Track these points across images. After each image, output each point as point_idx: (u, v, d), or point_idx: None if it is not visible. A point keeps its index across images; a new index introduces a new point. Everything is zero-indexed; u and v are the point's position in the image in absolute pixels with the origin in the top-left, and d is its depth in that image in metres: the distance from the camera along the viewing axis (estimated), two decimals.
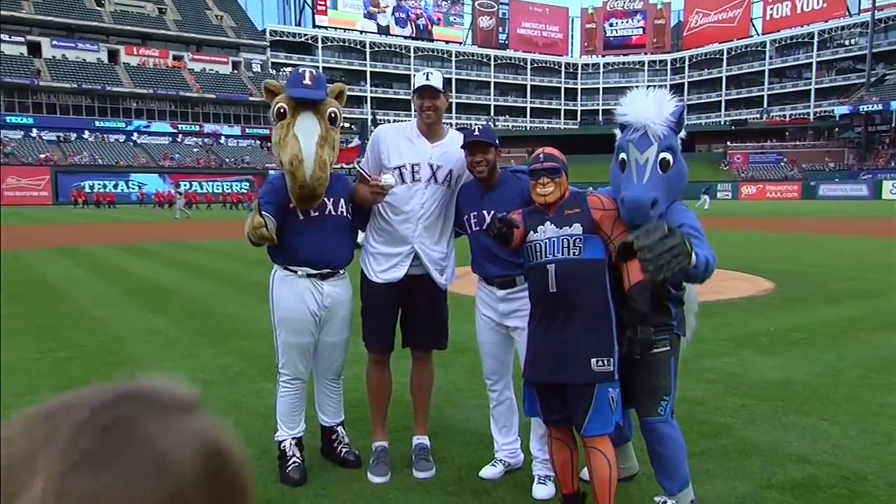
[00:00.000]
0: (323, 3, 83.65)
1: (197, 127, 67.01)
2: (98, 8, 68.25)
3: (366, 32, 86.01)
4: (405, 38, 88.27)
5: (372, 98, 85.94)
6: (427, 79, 3.36)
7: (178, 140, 65.83)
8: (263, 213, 3.26)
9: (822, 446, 3.79)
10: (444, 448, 3.83)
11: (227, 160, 64.24)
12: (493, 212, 3.09)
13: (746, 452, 3.70)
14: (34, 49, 63.18)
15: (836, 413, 4.42)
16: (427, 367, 3.68)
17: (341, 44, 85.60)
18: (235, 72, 72.59)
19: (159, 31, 70.20)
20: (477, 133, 3.21)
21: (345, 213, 3.47)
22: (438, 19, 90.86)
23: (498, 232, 2.88)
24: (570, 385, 2.75)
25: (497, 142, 3.27)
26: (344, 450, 3.67)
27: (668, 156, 2.78)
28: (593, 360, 2.70)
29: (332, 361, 3.62)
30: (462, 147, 3.28)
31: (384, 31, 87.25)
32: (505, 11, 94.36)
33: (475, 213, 3.34)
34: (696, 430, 3.92)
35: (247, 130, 69.94)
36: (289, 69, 77.61)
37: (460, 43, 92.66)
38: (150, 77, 66.08)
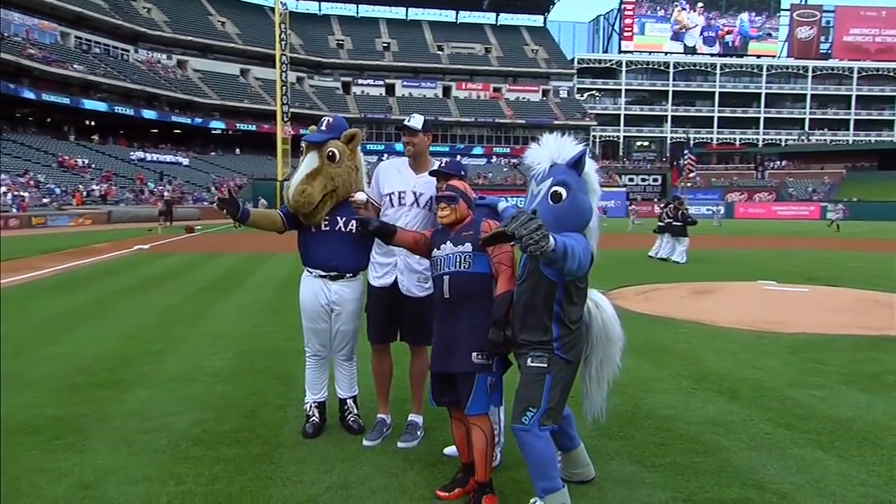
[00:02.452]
0: (630, 29, 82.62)
1: (508, 149, 70.86)
2: (438, 52, 75.92)
3: (671, 53, 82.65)
4: (712, 55, 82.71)
5: (673, 116, 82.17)
6: (407, 121, 3.79)
7: (492, 161, 70.31)
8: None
9: (802, 478, 3.42)
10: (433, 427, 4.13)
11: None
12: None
13: (700, 471, 3.51)
14: (390, 90, 72.79)
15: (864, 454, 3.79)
16: (420, 358, 3.97)
17: (645, 66, 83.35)
18: (544, 98, 75.67)
19: (484, 68, 75.88)
20: (442, 165, 3.58)
21: (353, 231, 3.88)
22: (754, 34, 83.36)
23: (363, 229, 3.51)
24: (457, 374, 3.13)
25: (463, 172, 3.53)
26: (351, 418, 4.14)
27: (561, 189, 2.92)
28: (474, 354, 3.09)
29: (344, 345, 4.09)
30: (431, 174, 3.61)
31: (690, 50, 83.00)
32: (829, 19, 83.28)
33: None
34: (678, 444, 3.88)
35: None
36: (590, 94, 78.93)
37: (774, 56, 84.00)
38: (473, 107, 71.98)
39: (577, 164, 2.98)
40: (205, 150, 61.25)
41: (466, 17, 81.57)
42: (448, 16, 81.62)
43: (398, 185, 3.87)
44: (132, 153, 53.73)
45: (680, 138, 73.73)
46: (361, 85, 73.31)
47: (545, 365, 2.88)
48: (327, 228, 3.91)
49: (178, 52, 64.44)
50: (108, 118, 53.63)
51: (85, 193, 39.80)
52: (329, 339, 4.05)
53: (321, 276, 3.94)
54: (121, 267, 14.11)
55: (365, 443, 3.90)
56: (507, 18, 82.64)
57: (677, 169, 21.25)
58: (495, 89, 75.71)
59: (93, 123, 54.00)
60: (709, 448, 3.83)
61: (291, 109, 54.36)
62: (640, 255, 16.51)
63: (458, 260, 3.18)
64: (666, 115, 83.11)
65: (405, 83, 74.06)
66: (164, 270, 13.26)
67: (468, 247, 3.19)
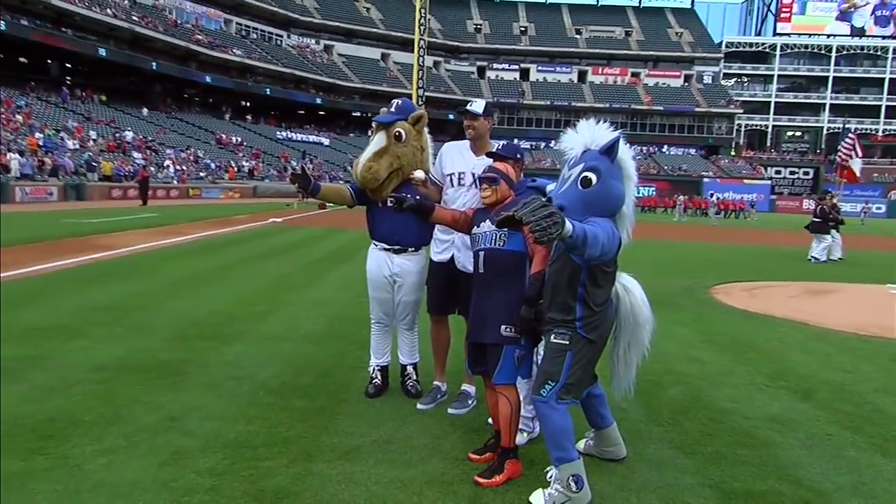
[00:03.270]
0: (788, 9, 76.37)
1: (644, 136, 68.22)
2: (576, 36, 74.34)
3: (834, 36, 75.46)
4: (884, 38, 74.56)
5: (832, 105, 75.15)
6: (470, 105, 3.91)
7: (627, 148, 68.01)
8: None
9: (847, 479, 3.27)
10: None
11: (666, 167, 63.93)
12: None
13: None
14: (524, 74, 72.31)
15: None
16: None
17: (803, 49, 76.76)
18: (686, 84, 72.09)
19: (623, 52, 73.44)
20: (499, 148, 3.61)
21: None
22: None
23: (398, 207, 3.49)
24: (487, 344, 3.28)
25: (519, 156, 3.56)
26: (409, 383, 4.41)
27: (591, 175, 2.96)
28: (503, 327, 3.21)
29: (406, 315, 4.31)
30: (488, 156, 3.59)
31: (858, 32, 75.25)
32: None
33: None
34: (726, 436, 3.82)
35: (689, 139, 68.34)
36: (737, 79, 73.80)
37: None
38: (609, 93, 70.04)
39: (610, 150, 3.00)
40: (344, 131, 64.22)
41: None
42: None
43: (459, 166, 4.02)
44: (279, 132, 57.50)
45: (837, 128, 67.59)
46: (496, 69, 73.42)
47: (567, 342, 2.96)
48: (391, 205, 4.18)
49: (326, 37, 67.75)
50: (261, 99, 57.68)
51: (237, 169, 43.22)
52: (392, 308, 4.28)
53: (385, 249, 4.15)
54: (253, 237, 15.37)
55: (419, 406, 4.15)
56: (651, 0, 79.25)
57: (844, 161, 19.57)
58: (633, 74, 73.00)
59: (248, 104, 58.29)
60: (757, 442, 3.73)
61: (426, 93, 55.57)
62: (763, 250, 15.55)
63: (493, 238, 3.30)
64: (824, 104, 76.21)
65: (540, 67, 73.24)
66: (288, 242, 14.30)
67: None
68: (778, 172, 68.71)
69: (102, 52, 42.91)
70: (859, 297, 9.51)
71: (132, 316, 6.33)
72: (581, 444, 3.43)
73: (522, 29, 75.89)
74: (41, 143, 30.69)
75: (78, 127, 35.98)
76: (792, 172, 69.70)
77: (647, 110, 69.16)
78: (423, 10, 52.66)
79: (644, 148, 68.02)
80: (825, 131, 74.51)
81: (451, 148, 4.17)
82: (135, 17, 46.93)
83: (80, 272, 9.02)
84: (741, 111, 71.39)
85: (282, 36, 64.34)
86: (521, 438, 3.69)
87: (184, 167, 38.44)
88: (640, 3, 79.18)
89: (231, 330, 5.94)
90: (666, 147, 68.75)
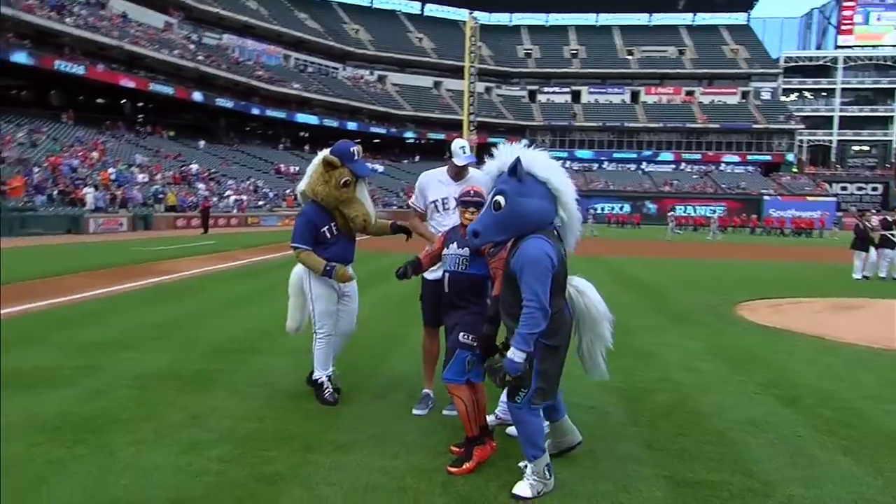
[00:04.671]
0: (850, 21, 74.21)
1: (699, 155, 67.19)
2: (628, 56, 74.12)
3: None
4: None
5: None
6: (463, 161, 4.28)
7: (680, 167, 67.01)
8: (332, 266, 4.56)
9: (799, 473, 3.49)
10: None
11: (723, 185, 62.59)
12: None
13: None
14: (575, 96, 72.55)
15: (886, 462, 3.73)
16: None
17: (867, 61, 74.29)
18: (743, 101, 70.73)
19: (676, 71, 72.67)
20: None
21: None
22: None
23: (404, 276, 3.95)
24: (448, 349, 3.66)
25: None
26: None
27: (499, 198, 3.16)
28: (461, 334, 3.55)
29: (346, 323, 4.93)
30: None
31: None
32: None
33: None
34: (696, 435, 4.02)
35: (747, 157, 67.14)
36: (798, 94, 71.73)
37: None
38: (663, 112, 69.29)
39: (513, 171, 3.15)
40: (398, 158, 65.63)
41: (660, 19, 78.70)
42: (640, 19, 79.32)
43: (442, 192, 4.40)
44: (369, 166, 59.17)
45: None
46: (547, 93, 73.86)
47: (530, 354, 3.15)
48: (340, 233, 4.71)
49: (380, 67, 69.77)
50: (317, 130, 59.72)
51: (294, 197, 44.82)
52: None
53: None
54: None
55: (415, 412, 4.50)
56: (704, 18, 78.29)
57: None
58: (688, 93, 72.13)
59: (305, 135, 60.42)
60: (725, 441, 3.97)
61: (478, 118, 56.49)
62: (817, 267, 15.29)
63: (457, 261, 3.62)
64: (892, 116, 73.38)
65: (591, 90, 73.26)
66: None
67: (466, 251, 3.60)
68: (844, 188, 66.29)
69: (170, 90, 45.52)
70: (886, 313, 9.36)
71: (178, 332, 6.96)
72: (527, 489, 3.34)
73: (573, 52, 76.23)
74: (113, 178, 32.74)
75: (157, 165, 38.25)
76: (859, 188, 67.11)
77: (702, 128, 68.11)
78: (473, 39, 53.80)
79: (700, 167, 66.92)
80: (895, 144, 71.66)
81: (430, 177, 4.56)
82: (200, 57, 49.61)
83: (139, 294, 9.83)
84: (802, 127, 69.43)
85: (337, 68, 66.62)
86: (488, 419, 4.01)
87: (244, 197, 40.16)
88: (693, 20, 78.43)
89: (262, 344, 6.48)
90: (723, 165, 67.42)
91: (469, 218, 3.56)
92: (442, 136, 65.48)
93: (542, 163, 3.24)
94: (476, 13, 67.74)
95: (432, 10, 79.10)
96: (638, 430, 4.14)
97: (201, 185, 38.45)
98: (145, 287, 10.65)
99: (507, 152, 3.29)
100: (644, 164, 68.42)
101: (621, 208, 59.35)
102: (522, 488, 3.22)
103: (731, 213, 55.26)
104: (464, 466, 3.47)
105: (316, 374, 4.77)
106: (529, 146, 3.37)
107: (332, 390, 4.71)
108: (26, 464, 3.44)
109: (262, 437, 3.94)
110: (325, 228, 4.62)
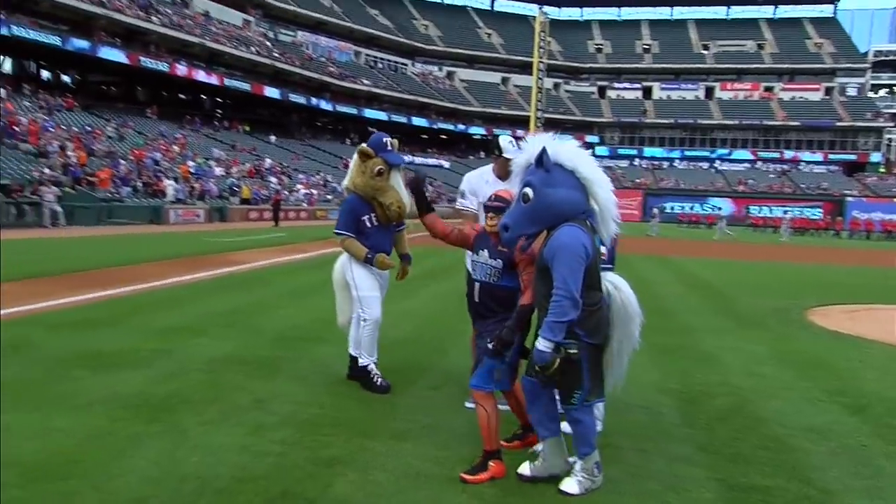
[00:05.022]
0: None
1: (777, 154, 64.51)
2: (703, 51, 71.85)
3: None
4: None
5: None
6: (507, 153, 4.25)
7: (756, 166, 64.53)
8: (373, 253, 4.80)
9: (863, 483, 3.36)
10: None
11: (802, 185, 59.84)
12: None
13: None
14: (647, 92, 70.87)
15: None
16: None
17: None
18: (827, 97, 67.32)
19: (755, 66, 69.96)
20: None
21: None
22: None
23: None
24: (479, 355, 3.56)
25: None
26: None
27: (527, 190, 3.13)
28: (490, 342, 3.39)
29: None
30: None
31: None
32: None
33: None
34: (753, 440, 3.93)
35: (829, 156, 63.98)
36: (888, 90, 67.70)
37: None
38: (739, 109, 66.91)
39: (539, 162, 3.10)
40: (464, 154, 65.82)
41: (738, 12, 75.83)
42: (717, 12, 76.70)
43: (490, 192, 4.46)
44: (402, 157, 59.96)
45: None
46: (617, 89, 72.48)
47: (576, 351, 3.11)
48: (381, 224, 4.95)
49: (448, 63, 70.13)
50: (385, 126, 60.54)
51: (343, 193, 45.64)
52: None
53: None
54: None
55: (467, 405, 4.51)
56: (786, 11, 75.02)
57: None
58: (766, 88, 69.36)
59: (374, 130, 61.37)
60: (784, 447, 3.88)
61: (545, 115, 55.97)
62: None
63: (489, 272, 3.50)
64: None
65: (664, 85, 71.45)
66: (395, 258, 15.20)
67: (499, 263, 3.47)
68: None
69: (247, 86, 47.13)
70: None
71: (246, 320, 7.28)
72: (525, 469, 3.42)
73: (645, 47, 74.46)
74: (192, 171, 34.19)
75: (234, 160, 39.75)
76: None
77: (781, 126, 65.35)
78: (543, 34, 53.27)
79: (778, 166, 64.25)
80: None
81: (477, 178, 4.59)
82: (275, 54, 51.12)
83: (212, 283, 10.31)
84: (892, 124, 65.63)
85: (406, 64, 67.34)
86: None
87: (313, 190, 41.19)
88: (774, 13, 75.25)
89: (325, 334, 6.69)
90: (803, 164, 64.49)
91: (492, 224, 3.48)
92: (508, 133, 65.31)
93: (569, 152, 3.17)
94: (546, 8, 67.19)
95: (502, 6, 78.90)
96: (692, 432, 4.10)
97: (273, 179, 39.68)
98: (217, 276, 11.14)
99: (534, 144, 3.23)
100: (717, 162, 66.24)
101: (691, 207, 57.56)
102: (570, 485, 3.22)
103: (826, 215, 52.93)
104: (478, 476, 3.38)
105: (363, 361, 4.93)
106: (556, 136, 3.28)
107: (380, 375, 4.86)
108: (109, 436, 3.72)
109: (322, 422, 4.11)
110: (365, 217, 4.85)
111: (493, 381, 3.43)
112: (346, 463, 3.49)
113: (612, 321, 3.35)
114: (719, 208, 55.70)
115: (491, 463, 3.43)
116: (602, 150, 69.05)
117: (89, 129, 33.36)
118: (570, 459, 3.36)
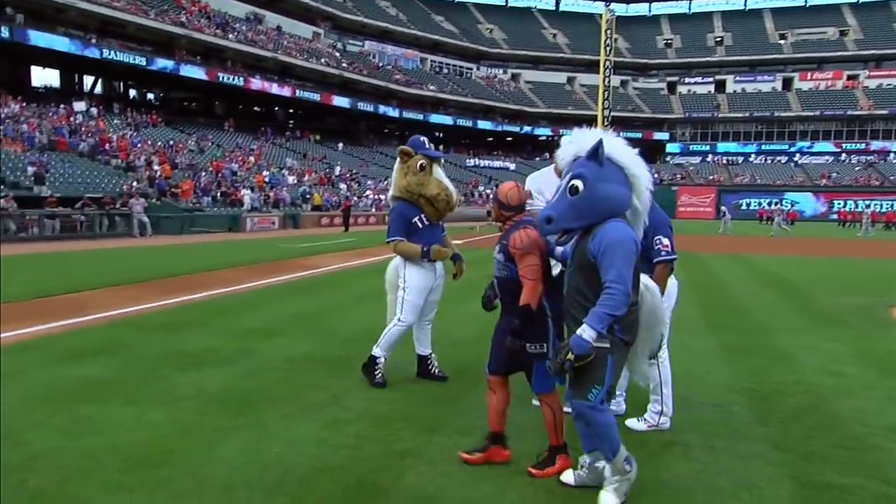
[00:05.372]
0: None
1: (863, 145, 61.12)
2: (780, 41, 69.04)
3: None
4: None
5: None
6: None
7: (840, 159, 61.31)
8: (429, 247, 4.96)
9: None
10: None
11: (892, 178, 56.45)
12: None
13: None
14: (719, 86, 68.63)
15: None
16: None
17: None
18: None
19: (837, 54, 66.53)
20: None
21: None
22: None
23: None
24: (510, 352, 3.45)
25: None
26: (436, 370, 5.25)
27: (577, 182, 3.02)
28: (528, 345, 3.37)
29: (430, 311, 5.29)
30: None
31: None
32: None
33: None
34: (831, 439, 3.81)
35: None
36: None
37: None
38: (820, 99, 63.84)
39: (594, 154, 3.01)
40: (530, 156, 65.51)
41: None
42: (795, 0, 73.40)
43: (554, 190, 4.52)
44: (468, 160, 60.26)
45: None
46: (688, 83, 70.42)
47: (608, 346, 2.95)
48: (433, 223, 5.08)
49: (514, 66, 69.99)
50: (451, 130, 61.00)
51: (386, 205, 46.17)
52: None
53: (432, 261, 5.04)
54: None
55: (534, 402, 4.47)
56: None
57: None
58: (850, 77, 65.80)
59: (440, 135, 61.94)
60: (863, 446, 3.76)
61: (613, 113, 55.01)
62: None
63: (498, 266, 3.50)
64: None
65: (738, 78, 68.87)
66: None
67: (501, 256, 3.46)
68: None
69: (317, 96, 48.51)
70: None
71: (320, 321, 7.58)
72: (570, 477, 3.35)
73: (718, 39, 72.08)
74: (267, 180, 35.47)
75: (308, 169, 41.03)
76: None
77: (866, 116, 61.90)
78: (609, 31, 52.41)
79: (864, 157, 60.86)
80: None
81: (541, 177, 4.60)
82: (344, 64, 52.39)
83: (287, 287, 10.74)
84: None
85: (472, 69, 67.63)
86: (640, 425, 4.12)
87: (381, 196, 41.96)
88: None
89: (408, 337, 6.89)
90: (892, 155, 60.82)
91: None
92: None
93: (622, 147, 3.09)
94: (613, 5, 66.03)
95: (568, 5, 78.00)
96: (765, 430, 4.03)
97: (343, 186, 40.67)
98: (292, 280, 11.59)
99: (583, 136, 3.16)
100: (797, 156, 63.33)
101: (769, 204, 55.15)
102: (608, 498, 3.06)
103: None
104: (545, 471, 3.42)
105: (376, 351, 5.11)
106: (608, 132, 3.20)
107: (383, 372, 5.06)
108: (198, 429, 3.99)
109: (394, 417, 4.27)
110: (415, 219, 4.99)
111: (550, 379, 3.43)
112: (416, 456, 3.62)
113: (641, 322, 3.23)
114: (797, 202, 53.35)
115: (558, 457, 3.48)
116: (673, 147, 67.37)
117: (172, 143, 35.15)
118: (598, 464, 3.19)
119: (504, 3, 76.88)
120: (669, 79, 71.31)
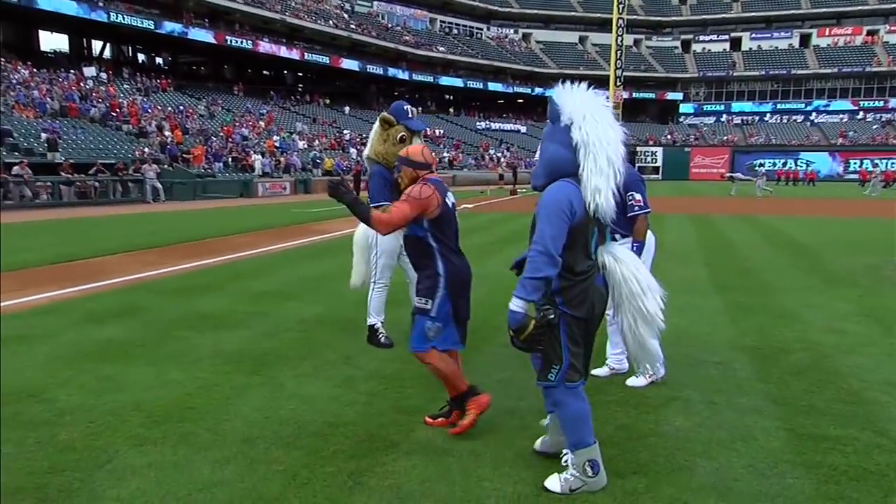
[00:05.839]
0: None
1: (881, 102, 59.98)
2: None
3: None
4: None
5: None
6: None
7: (858, 117, 60.21)
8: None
9: None
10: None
11: None
12: None
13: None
14: (735, 44, 67.23)
15: None
16: None
17: None
18: None
19: (856, 8, 64.77)
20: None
21: None
22: None
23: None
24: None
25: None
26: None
27: (542, 143, 2.98)
28: (416, 298, 3.50)
29: (411, 270, 5.38)
30: None
31: None
32: None
33: None
34: (828, 393, 3.85)
35: None
36: None
37: None
38: (837, 56, 62.64)
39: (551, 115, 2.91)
40: (542, 118, 64.78)
41: None
42: None
43: None
44: (478, 123, 59.76)
45: None
46: (702, 42, 69.04)
47: (552, 317, 2.75)
48: None
49: (524, 25, 68.79)
50: (461, 92, 60.38)
51: (438, 160, 46.01)
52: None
53: None
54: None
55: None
56: None
57: None
58: (870, 32, 64.22)
59: (450, 97, 61.40)
60: (859, 400, 3.86)
61: (625, 73, 54.22)
62: None
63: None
64: None
65: (754, 35, 67.42)
66: (472, 225, 15.33)
67: None
68: None
69: (326, 59, 48.08)
70: None
71: (332, 284, 7.71)
72: (538, 444, 3.29)
73: None
74: (277, 145, 35.45)
75: (322, 134, 40.91)
76: None
77: (886, 72, 60.53)
78: None
79: (882, 115, 59.72)
80: None
81: None
82: (353, 26, 51.75)
83: (298, 251, 10.89)
84: None
85: (482, 29, 66.57)
86: (601, 371, 4.36)
87: None
88: None
89: (404, 297, 6.93)
90: None
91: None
92: None
93: (571, 105, 2.80)
94: None
95: None
96: (765, 386, 4.13)
97: (353, 150, 40.59)
98: (304, 245, 11.74)
99: (561, 94, 2.91)
100: (814, 115, 62.26)
101: (784, 164, 54.43)
102: (553, 482, 2.89)
103: None
104: (462, 422, 3.49)
105: (371, 321, 5.30)
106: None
107: (386, 335, 5.22)
108: (216, 387, 4.16)
109: (403, 376, 4.42)
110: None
111: (429, 340, 3.47)
112: (425, 412, 3.76)
113: (615, 297, 2.97)
114: (813, 162, 52.64)
115: (468, 404, 3.52)
116: (687, 108, 66.43)
117: (182, 108, 35.11)
118: (563, 453, 3.00)
119: None
120: (684, 37, 69.90)
